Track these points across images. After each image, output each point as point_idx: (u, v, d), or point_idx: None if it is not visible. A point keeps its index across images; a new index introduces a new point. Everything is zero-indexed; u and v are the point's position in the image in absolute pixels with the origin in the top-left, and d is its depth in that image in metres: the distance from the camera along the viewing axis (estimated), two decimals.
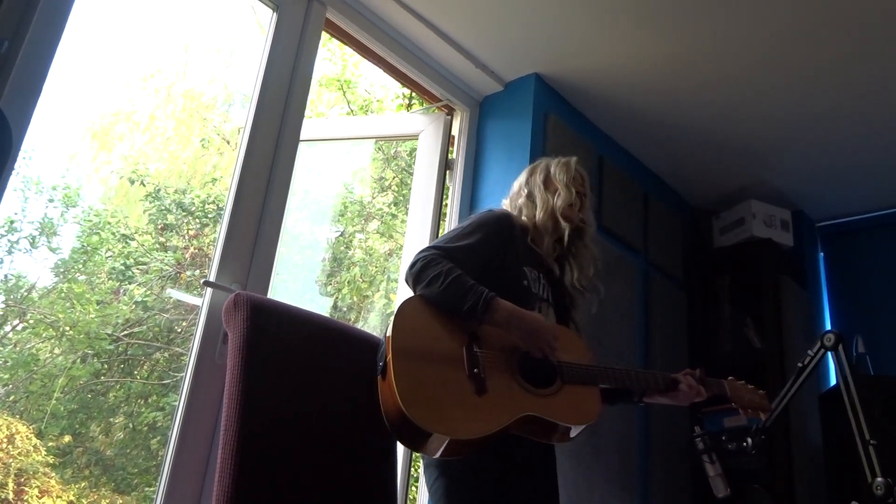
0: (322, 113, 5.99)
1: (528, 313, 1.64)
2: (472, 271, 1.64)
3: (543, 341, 1.63)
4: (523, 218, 1.91)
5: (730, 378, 1.95)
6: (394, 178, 5.80)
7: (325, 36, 2.45)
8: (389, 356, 1.49)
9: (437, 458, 1.58)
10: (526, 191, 1.96)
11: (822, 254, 3.73)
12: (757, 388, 1.97)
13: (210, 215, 5.60)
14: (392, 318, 1.56)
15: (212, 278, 1.90)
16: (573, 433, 1.66)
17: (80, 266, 5.26)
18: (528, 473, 1.71)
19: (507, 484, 1.63)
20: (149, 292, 5.25)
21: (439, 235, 2.53)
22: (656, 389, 1.82)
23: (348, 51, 5.15)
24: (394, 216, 5.66)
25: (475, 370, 1.55)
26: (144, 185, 5.51)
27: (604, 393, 1.76)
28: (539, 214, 1.88)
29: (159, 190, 5.58)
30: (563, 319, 1.89)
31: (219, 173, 5.87)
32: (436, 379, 1.51)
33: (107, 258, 5.27)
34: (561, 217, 1.88)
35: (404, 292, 2.56)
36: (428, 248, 1.68)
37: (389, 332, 1.53)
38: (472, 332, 1.60)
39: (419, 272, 1.61)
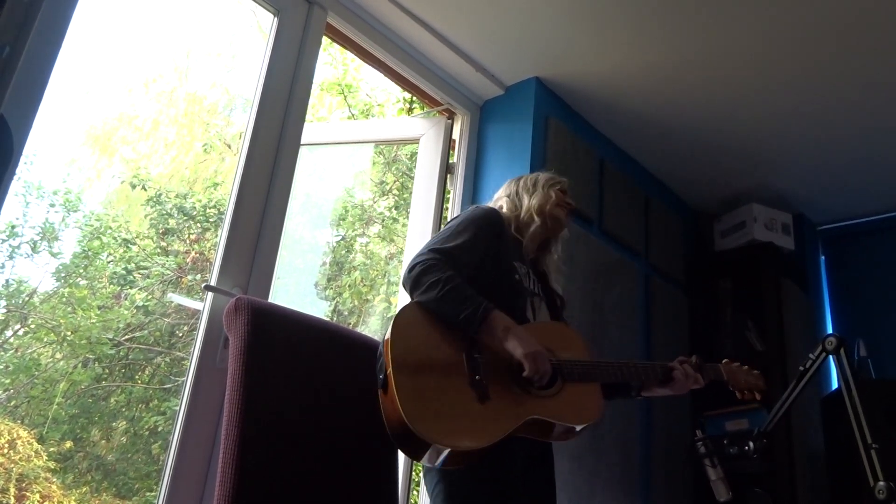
0: (323, 117, 6.00)
1: (524, 334, 1.58)
2: (468, 268, 1.64)
3: (533, 369, 1.56)
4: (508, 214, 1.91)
5: (724, 361, 1.93)
6: (395, 181, 5.80)
7: (325, 40, 2.46)
8: (389, 369, 1.46)
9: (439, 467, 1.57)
10: (510, 190, 1.97)
11: (823, 257, 3.73)
12: (751, 368, 1.94)
13: (211, 220, 5.60)
14: (389, 328, 1.53)
15: (213, 282, 1.90)
16: (577, 431, 1.65)
17: (82, 271, 5.26)
18: (527, 475, 1.70)
19: (507, 487, 1.62)
20: (150, 297, 5.25)
21: None
22: (654, 380, 1.80)
23: (349, 55, 5.17)
24: (395, 220, 5.66)
25: (476, 377, 1.53)
26: (146, 190, 5.50)
27: (602, 388, 1.74)
28: (523, 213, 1.90)
29: (160, 194, 5.58)
30: (554, 313, 1.89)
31: (220, 178, 5.87)
32: (438, 390, 1.49)
33: (108, 263, 5.26)
34: (547, 216, 1.89)
35: (405, 296, 2.57)
36: (426, 251, 1.64)
37: (389, 343, 1.50)
38: (471, 338, 1.59)
39: (417, 278, 1.59)
